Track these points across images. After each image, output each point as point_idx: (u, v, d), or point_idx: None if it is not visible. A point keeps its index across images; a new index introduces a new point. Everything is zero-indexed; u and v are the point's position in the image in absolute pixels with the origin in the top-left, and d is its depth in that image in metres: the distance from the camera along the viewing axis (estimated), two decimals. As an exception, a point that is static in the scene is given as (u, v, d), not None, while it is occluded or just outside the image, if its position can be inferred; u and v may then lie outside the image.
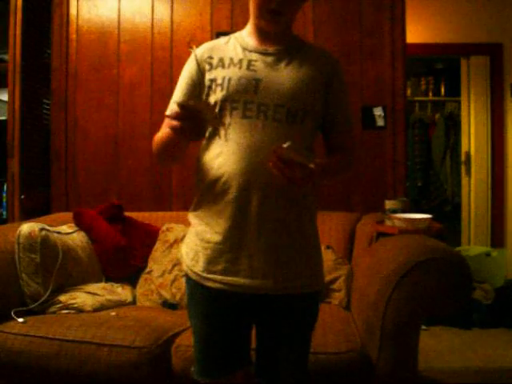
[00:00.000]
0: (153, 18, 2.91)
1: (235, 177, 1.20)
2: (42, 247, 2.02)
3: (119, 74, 2.93)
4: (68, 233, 2.25)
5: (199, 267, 1.25)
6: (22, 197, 2.70)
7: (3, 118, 2.81)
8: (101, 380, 1.68)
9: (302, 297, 1.27)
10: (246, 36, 1.32)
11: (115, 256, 2.34)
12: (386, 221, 2.11)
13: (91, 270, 2.27)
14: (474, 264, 3.09)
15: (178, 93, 1.32)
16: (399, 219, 1.99)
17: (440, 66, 4.88)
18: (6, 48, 2.69)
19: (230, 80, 1.23)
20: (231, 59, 1.27)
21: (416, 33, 3.72)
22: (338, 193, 2.81)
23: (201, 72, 1.29)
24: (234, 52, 1.29)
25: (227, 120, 1.23)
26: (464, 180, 4.40)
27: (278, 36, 1.29)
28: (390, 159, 2.80)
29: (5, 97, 2.78)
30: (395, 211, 2.09)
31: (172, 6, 2.90)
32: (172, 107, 1.32)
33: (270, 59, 1.27)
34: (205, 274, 1.24)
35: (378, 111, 2.81)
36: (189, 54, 1.35)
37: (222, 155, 1.21)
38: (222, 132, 1.23)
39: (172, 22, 2.89)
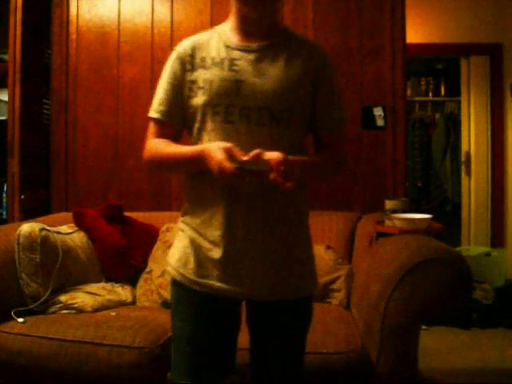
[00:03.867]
0: (153, 18, 2.91)
1: (221, 184, 1.16)
2: (42, 247, 2.02)
3: (119, 74, 2.93)
4: (68, 233, 2.25)
5: (188, 270, 1.23)
6: (22, 197, 2.70)
7: (3, 117, 2.81)
8: (101, 380, 1.68)
9: (294, 302, 1.24)
10: (229, 31, 1.26)
11: (115, 256, 2.34)
12: (385, 221, 2.11)
13: (91, 270, 2.27)
14: (474, 264, 3.09)
15: (162, 94, 1.26)
16: (399, 219, 1.99)
17: (440, 66, 4.88)
18: (6, 48, 2.69)
19: (211, 83, 1.19)
20: (213, 59, 1.22)
21: (416, 33, 3.72)
22: (338, 193, 2.80)
23: (183, 71, 1.24)
24: (217, 50, 1.23)
25: (209, 126, 1.19)
26: (464, 180, 4.40)
27: (262, 29, 1.23)
28: (390, 159, 2.80)
29: (5, 97, 2.78)
30: (395, 211, 2.09)
31: (172, 6, 2.90)
32: (154, 107, 1.27)
33: (252, 56, 1.21)
34: (193, 278, 1.22)
35: (378, 111, 2.80)
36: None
37: None
38: (206, 138, 1.20)
39: (172, 21, 2.89)
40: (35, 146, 2.87)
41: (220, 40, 1.25)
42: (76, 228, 2.34)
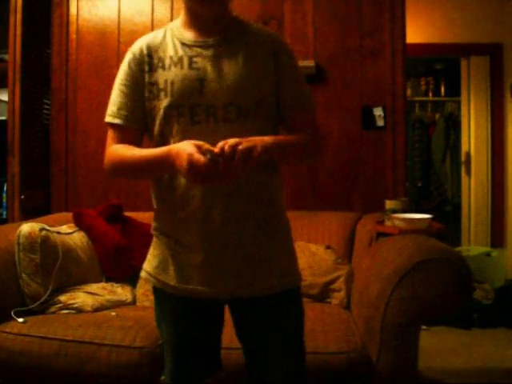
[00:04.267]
0: (153, 18, 2.91)
1: (191, 187, 1.13)
2: (42, 247, 2.02)
3: (119, 74, 2.93)
4: (68, 233, 2.25)
5: (169, 276, 1.21)
6: (22, 197, 2.70)
7: (3, 117, 2.81)
8: (101, 380, 1.68)
9: (280, 295, 1.21)
10: (182, 28, 1.21)
11: (115, 256, 2.34)
12: (386, 221, 2.11)
13: (91, 270, 2.27)
14: (474, 264, 3.09)
15: (120, 98, 1.22)
16: (399, 219, 1.99)
17: (440, 66, 4.88)
18: (6, 48, 2.69)
19: (173, 83, 1.14)
20: (171, 58, 1.17)
21: (416, 33, 3.71)
22: (338, 193, 2.80)
23: (141, 72, 1.19)
24: (173, 49, 1.18)
25: (174, 128, 1.14)
26: (464, 180, 4.39)
27: (215, 22, 1.19)
28: (390, 159, 2.80)
29: (5, 97, 2.78)
30: (395, 211, 2.09)
31: (172, 6, 2.90)
32: (114, 112, 1.23)
33: (210, 52, 1.16)
34: (174, 284, 1.20)
35: (377, 111, 2.81)
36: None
37: None
38: (171, 140, 1.14)
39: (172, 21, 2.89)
40: (35, 146, 2.87)
41: (175, 38, 1.20)
42: (76, 228, 2.34)
